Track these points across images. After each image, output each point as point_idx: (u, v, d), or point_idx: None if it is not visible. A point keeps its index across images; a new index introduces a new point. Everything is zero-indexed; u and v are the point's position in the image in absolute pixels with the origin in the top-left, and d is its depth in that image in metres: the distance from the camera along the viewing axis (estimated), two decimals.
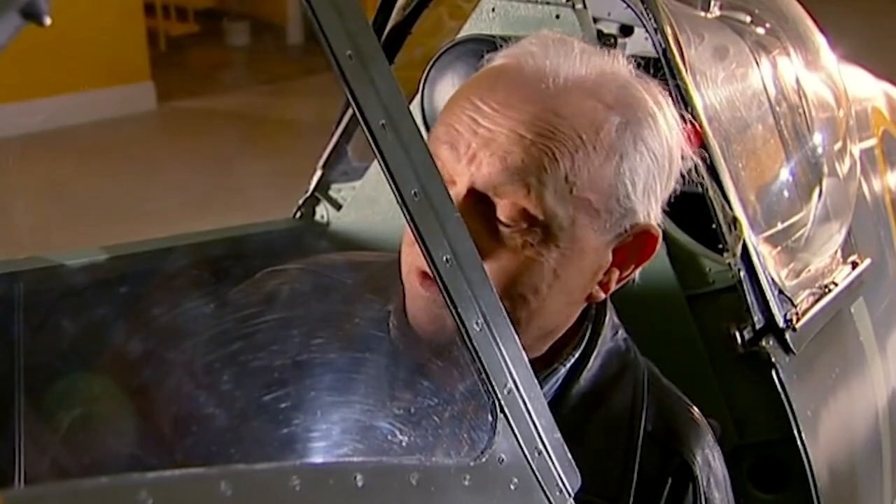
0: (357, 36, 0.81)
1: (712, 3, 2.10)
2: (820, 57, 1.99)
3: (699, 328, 1.53)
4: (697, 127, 1.47)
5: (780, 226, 1.72)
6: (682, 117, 1.45)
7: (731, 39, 1.95)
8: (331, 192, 1.75)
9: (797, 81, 1.99)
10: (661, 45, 1.45)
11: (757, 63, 1.93)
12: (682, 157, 1.18)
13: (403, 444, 0.87)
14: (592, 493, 1.08)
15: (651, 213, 1.14)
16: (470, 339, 0.84)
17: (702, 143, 1.48)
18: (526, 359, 0.88)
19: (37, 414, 1.12)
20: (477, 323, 0.84)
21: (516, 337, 0.88)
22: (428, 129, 1.59)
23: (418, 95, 1.57)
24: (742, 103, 1.85)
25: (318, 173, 1.75)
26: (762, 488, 1.54)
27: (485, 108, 1.07)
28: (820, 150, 1.91)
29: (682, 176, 1.26)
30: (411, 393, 0.94)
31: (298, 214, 1.77)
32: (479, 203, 1.05)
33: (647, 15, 1.45)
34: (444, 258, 0.83)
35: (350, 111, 1.78)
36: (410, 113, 0.83)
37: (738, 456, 1.52)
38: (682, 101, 1.46)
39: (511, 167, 1.05)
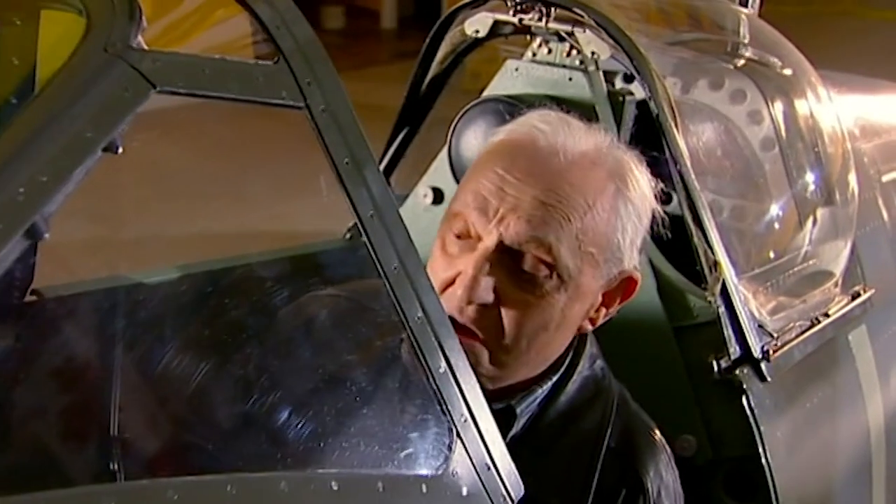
0: (353, 146, 1.06)
1: (741, 46, 2.30)
2: (821, 98, 2.17)
3: (683, 357, 1.74)
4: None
5: (768, 265, 1.92)
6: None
7: (748, 85, 2.15)
8: None
9: (808, 121, 2.18)
10: (654, 111, 1.67)
11: (769, 105, 2.13)
12: (653, 213, 1.42)
13: (380, 454, 1.12)
14: (557, 496, 1.33)
15: (633, 260, 1.39)
16: (434, 379, 1.09)
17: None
18: (481, 394, 1.12)
19: (128, 414, 1.39)
20: (440, 366, 1.09)
21: (474, 376, 1.12)
22: (454, 174, 1.83)
23: (446, 146, 1.82)
24: (746, 149, 2.06)
25: None
26: (734, 498, 1.75)
27: (510, 178, 1.31)
28: (815, 189, 2.10)
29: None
30: (397, 413, 1.20)
31: (349, 236, 2.03)
32: (504, 255, 1.30)
33: (643, 84, 1.67)
34: (417, 316, 1.08)
35: (395, 145, 2.05)
36: (395, 205, 1.09)
37: (713, 468, 1.74)
38: (673, 158, 1.69)
39: (536, 227, 1.29)
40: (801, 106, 2.16)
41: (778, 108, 2.13)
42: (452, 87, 2.02)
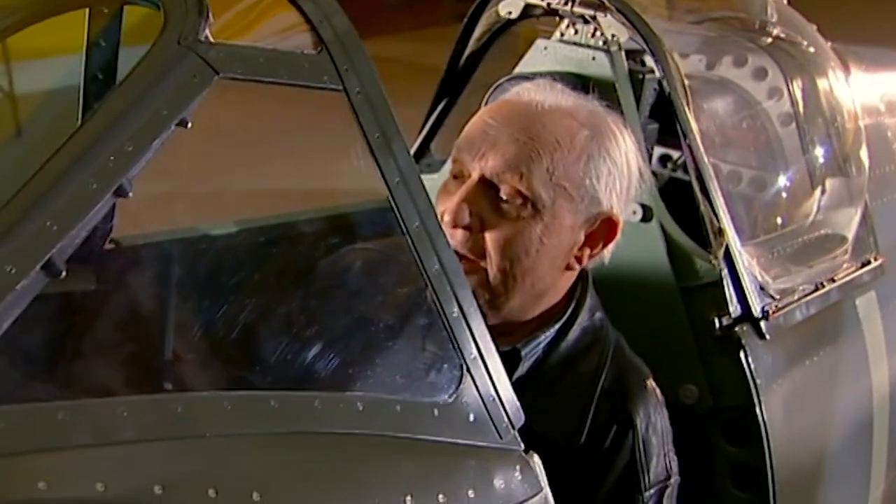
0: (384, 123, 1.25)
1: (768, 25, 2.44)
2: (838, 77, 2.30)
3: (689, 315, 1.91)
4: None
5: (776, 233, 2.07)
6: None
7: (770, 63, 2.29)
8: None
9: (824, 98, 2.31)
10: (667, 89, 1.83)
11: (789, 83, 2.27)
12: (640, 172, 1.60)
13: (399, 383, 1.33)
14: (554, 431, 1.52)
15: (613, 205, 1.57)
16: (448, 322, 1.28)
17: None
18: (489, 337, 1.31)
19: (191, 343, 1.60)
20: (454, 311, 1.28)
21: (483, 321, 1.31)
22: None
23: None
24: (765, 123, 2.21)
25: None
26: (731, 443, 1.92)
27: (492, 122, 1.54)
28: (828, 162, 2.24)
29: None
30: (415, 349, 1.40)
31: None
32: (486, 187, 1.52)
33: (657, 65, 1.82)
34: (434, 268, 1.27)
35: (436, 114, 2.24)
36: (418, 173, 1.28)
37: (713, 416, 1.91)
38: (683, 132, 1.85)
39: (509, 160, 1.50)
40: (819, 84, 2.30)
41: (797, 85, 2.27)
42: (509, 48, 2.20)
